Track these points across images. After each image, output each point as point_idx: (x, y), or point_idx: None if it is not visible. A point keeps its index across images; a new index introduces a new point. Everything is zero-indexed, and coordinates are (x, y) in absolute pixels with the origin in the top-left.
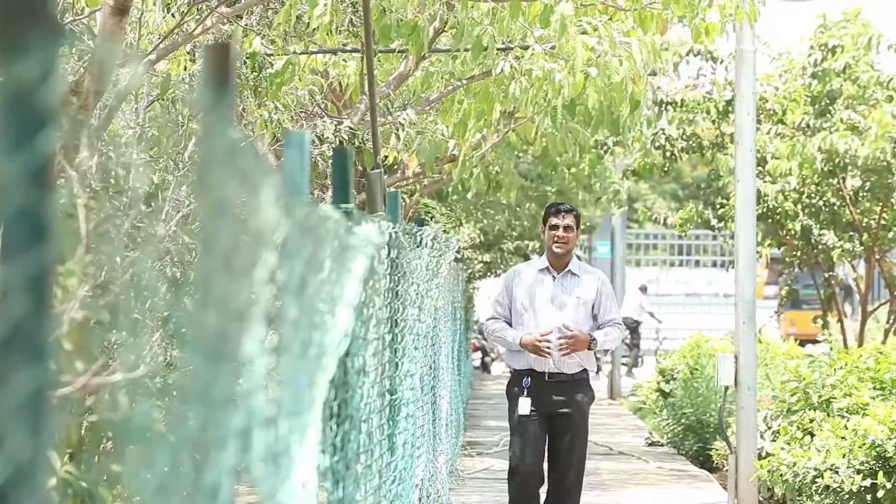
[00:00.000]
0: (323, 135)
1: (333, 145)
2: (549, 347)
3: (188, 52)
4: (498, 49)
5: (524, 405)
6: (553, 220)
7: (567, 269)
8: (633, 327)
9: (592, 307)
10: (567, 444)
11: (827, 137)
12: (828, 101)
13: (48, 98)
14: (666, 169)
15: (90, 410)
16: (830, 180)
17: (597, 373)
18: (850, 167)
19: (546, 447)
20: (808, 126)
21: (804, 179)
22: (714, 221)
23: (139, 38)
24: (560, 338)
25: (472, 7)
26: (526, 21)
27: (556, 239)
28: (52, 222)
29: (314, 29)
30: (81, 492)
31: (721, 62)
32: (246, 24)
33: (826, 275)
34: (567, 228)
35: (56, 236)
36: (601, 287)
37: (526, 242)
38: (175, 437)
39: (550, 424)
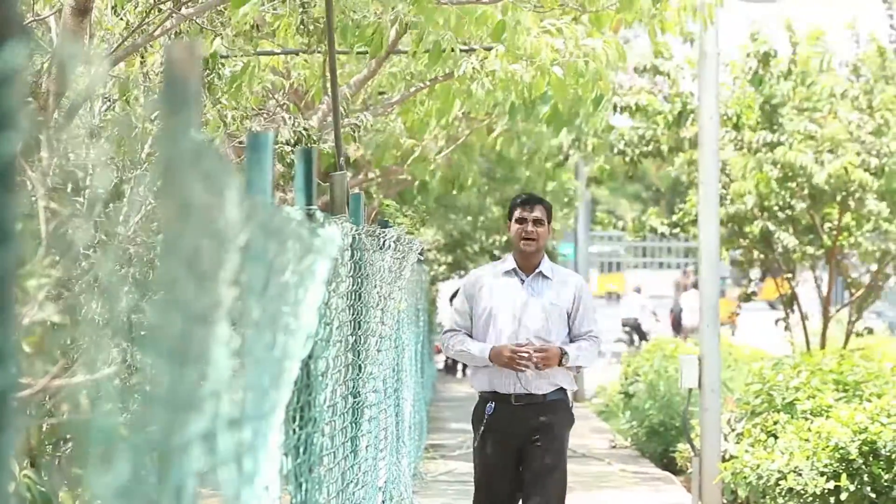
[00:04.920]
0: (278, 136)
1: (288, 146)
2: (526, 360)
3: (141, 53)
4: (462, 50)
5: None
6: (519, 213)
7: (537, 271)
8: (636, 326)
9: (568, 316)
10: (541, 478)
11: (786, 153)
12: (772, 107)
13: (10, 100)
14: (630, 175)
15: (51, 413)
16: (790, 184)
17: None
18: (802, 186)
19: (518, 483)
20: (763, 142)
21: (761, 199)
22: (665, 228)
23: (94, 38)
24: (526, 350)
25: (433, 9)
26: (487, 24)
27: (523, 235)
28: (13, 224)
29: (263, 31)
30: (41, 495)
31: (668, 76)
32: (203, 24)
33: (786, 276)
34: (536, 222)
35: (17, 238)
36: (578, 292)
37: (492, 240)
38: (137, 440)
39: (522, 456)
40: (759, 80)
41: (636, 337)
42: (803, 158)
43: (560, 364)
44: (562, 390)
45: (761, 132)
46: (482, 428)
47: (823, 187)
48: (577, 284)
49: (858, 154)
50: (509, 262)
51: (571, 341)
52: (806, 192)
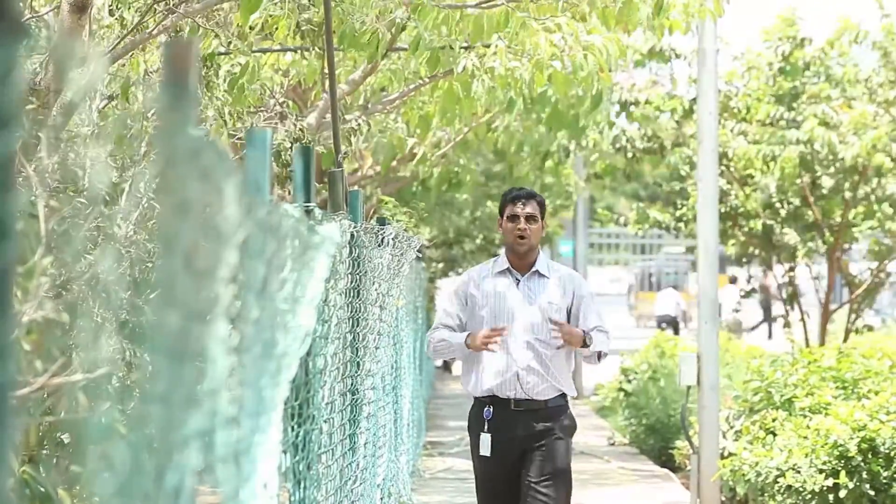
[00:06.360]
0: (276, 134)
1: (285, 145)
2: (496, 340)
3: (141, 51)
4: (461, 47)
5: (484, 444)
6: (511, 210)
7: (533, 270)
8: (672, 321)
9: (568, 314)
10: (544, 486)
11: (813, 129)
12: (792, 98)
13: (9, 97)
14: (627, 173)
15: (50, 411)
16: (795, 180)
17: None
18: (826, 164)
19: (519, 489)
20: (779, 119)
21: (784, 181)
22: (671, 223)
23: (92, 36)
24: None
25: (432, 10)
26: (488, 23)
27: (516, 233)
28: (13, 222)
29: (261, 31)
30: (40, 493)
31: (685, 58)
32: (201, 24)
33: (788, 275)
34: (529, 218)
35: (16, 236)
36: (577, 290)
37: (490, 238)
38: (136, 438)
39: (523, 464)
40: (790, 70)
41: (671, 333)
42: (830, 134)
43: (584, 345)
44: (563, 396)
45: (779, 108)
46: (482, 431)
47: (851, 163)
48: (575, 281)
49: (891, 138)
50: (503, 261)
51: None
52: (832, 170)
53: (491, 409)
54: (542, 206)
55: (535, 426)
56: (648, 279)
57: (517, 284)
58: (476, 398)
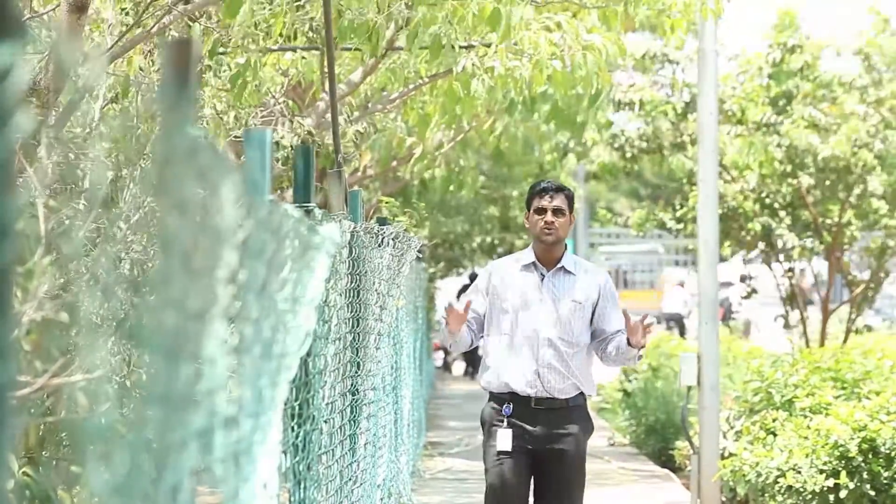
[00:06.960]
0: (276, 133)
1: (286, 147)
2: (447, 318)
3: (142, 51)
4: (460, 46)
5: (504, 438)
6: (538, 203)
7: (559, 266)
8: (679, 320)
9: (593, 313)
10: (558, 488)
11: (789, 132)
12: (786, 101)
13: (8, 97)
14: (627, 171)
15: (50, 411)
16: (790, 180)
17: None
18: (807, 166)
19: (531, 493)
20: (768, 124)
21: (764, 178)
22: (672, 223)
23: (91, 35)
24: (645, 323)
25: (433, 4)
26: (483, 21)
27: (543, 226)
28: (12, 223)
29: (266, 32)
30: (39, 494)
31: (678, 64)
32: (202, 22)
33: (788, 275)
34: (556, 212)
35: (15, 237)
36: (603, 289)
37: (489, 239)
38: (135, 438)
39: (537, 464)
40: (778, 74)
41: (677, 331)
42: (810, 137)
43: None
44: (582, 395)
45: (767, 111)
46: (502, 427)
47: (829, 163)
48: (602, 279)
49: (870, 134)
50: (529, 254)
51: (593, 338)
52: (812, 169)
53: (511, 407)
54: (570, 199)
55: (555, 425)
56: (623, 277)
57: (542, 280)
58: (493, 394)
